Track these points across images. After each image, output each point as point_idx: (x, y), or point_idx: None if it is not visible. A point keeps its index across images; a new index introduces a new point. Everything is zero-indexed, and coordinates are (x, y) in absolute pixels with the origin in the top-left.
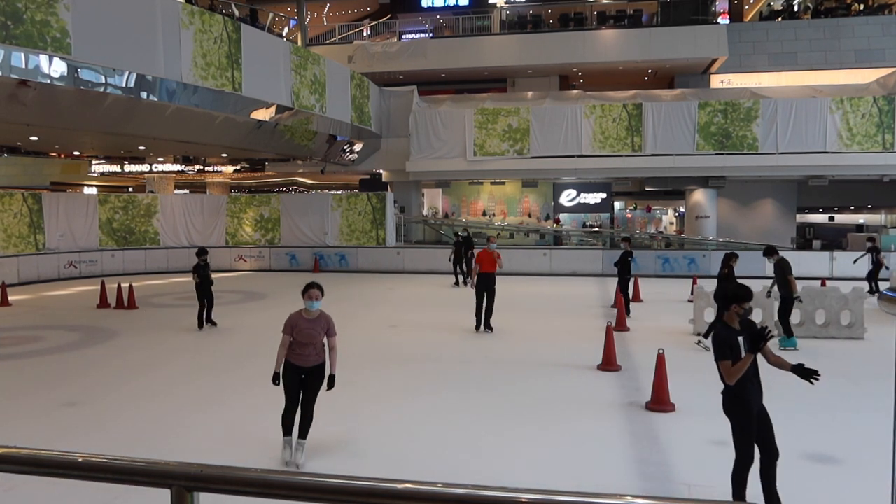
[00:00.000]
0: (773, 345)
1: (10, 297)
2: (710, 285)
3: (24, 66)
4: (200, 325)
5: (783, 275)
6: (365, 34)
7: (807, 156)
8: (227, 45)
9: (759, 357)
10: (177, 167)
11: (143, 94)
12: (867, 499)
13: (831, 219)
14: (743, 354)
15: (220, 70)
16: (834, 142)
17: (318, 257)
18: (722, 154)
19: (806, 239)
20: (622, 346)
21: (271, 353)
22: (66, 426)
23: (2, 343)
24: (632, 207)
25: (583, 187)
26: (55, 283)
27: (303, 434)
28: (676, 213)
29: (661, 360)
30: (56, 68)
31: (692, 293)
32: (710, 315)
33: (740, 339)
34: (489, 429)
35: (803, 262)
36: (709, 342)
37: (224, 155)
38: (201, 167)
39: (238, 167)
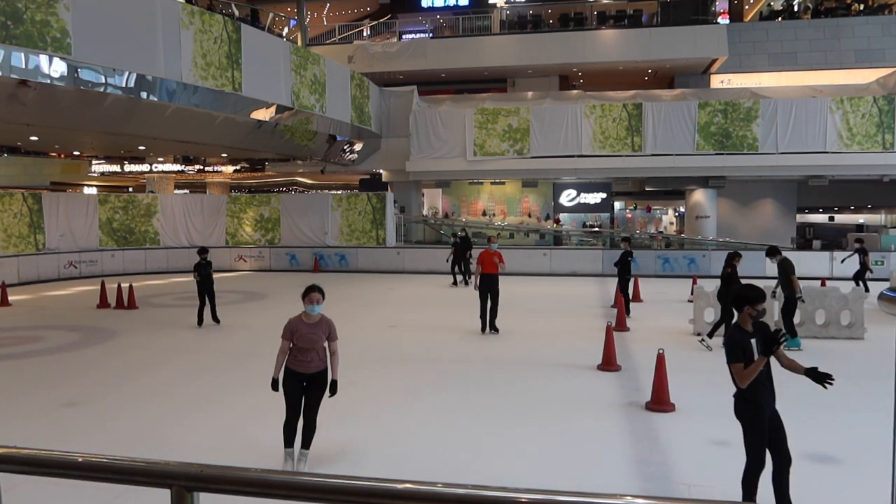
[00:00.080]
0: None
1: (10, 297)
2: (711, 285)
3: (24, 66)
4: (200, 322)
5: (786, 275)
6: (365, 34)
7: (807, 156)
8: (227, 45)
9: (773, 360)
10: (177, 167)
11: (143, 94)
12: (867, 499)
13: (831, 219)
14: (756, 357)
15: (220, 70)
16: (834, 142)
17: (318, 257)
18: (722, 154)
19: (806, 239)
20: (622, 346)
21: (271, 353)
22: (66, 426)
23: (2, 343)
24: (632, 207)
25: (583, 187)
26: (55, 283)
27: (306, 444)
28: (676, 213)
29: (661, 360)
30: (56, 68)
31: (692, 293)
32: (710, 315)
33: (753, 341)
34: (489, 429)
35: (803, 262)
36: (711, 341)
37: (224, 155)
38: (201, 167)
39: (238, 167)
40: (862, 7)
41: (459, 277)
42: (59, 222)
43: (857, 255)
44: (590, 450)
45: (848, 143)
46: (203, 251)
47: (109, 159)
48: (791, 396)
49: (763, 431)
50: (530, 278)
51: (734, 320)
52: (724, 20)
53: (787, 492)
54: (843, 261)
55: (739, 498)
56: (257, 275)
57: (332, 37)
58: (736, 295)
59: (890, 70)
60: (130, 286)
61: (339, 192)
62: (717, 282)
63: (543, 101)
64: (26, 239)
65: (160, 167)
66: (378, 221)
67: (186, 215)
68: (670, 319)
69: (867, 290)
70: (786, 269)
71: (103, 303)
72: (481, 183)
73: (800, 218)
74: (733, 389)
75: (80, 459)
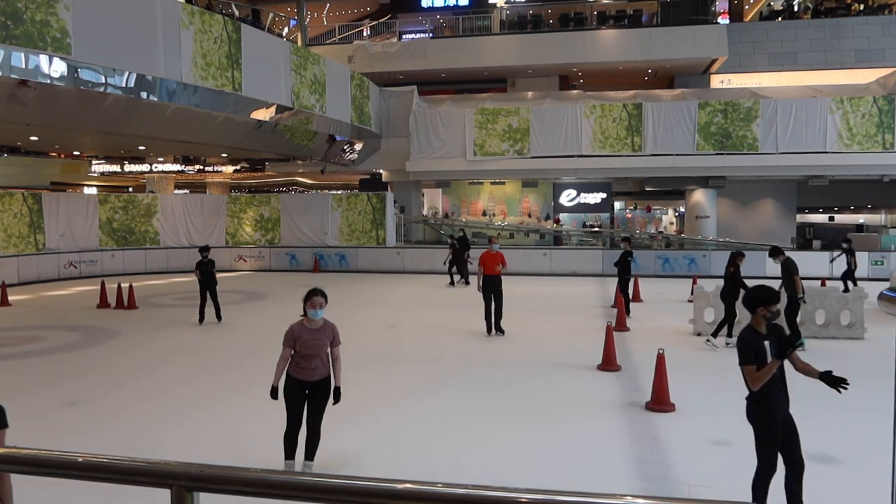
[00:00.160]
0: None
1: (10, 297)
2: (711, 285)
3: (24, 66)
4: (201, 320)
5: (789, 275)
6: (365, 34)
7: (807, 156)
8: (227, 45)
9: (787, 364)
10: (177, 167)
11: (143, 94)
12: (867, 499)
13: (831, 219)
14: (769, 359)
15: (220, 70)
16: (834, 142)
17: (318, 257)
18: (722, 154)
19: (806, 239)
20: (622, 346)
21: (271, 353)
22: (66, 426)
23: (2, 343)
24: (632, 207)
25: (583, 187)
26: (55, 283)
27: (309, 455)
28: (676, 213)
29: (661, 360)
30: (56, 68)
31: (692, 293)
32: (710, 315)
33: (766, 343)
34: (489, 429)
35: (803, 262)
36: (715, 341)
37: (224, 155)
38: (201, 167)
39: (238, 167)
40: (862, 7)
41: (457, 278)
42: (59, 222)
43: (844, 256)
44: (590, 450)
45: (848, 143)
46: (205, 249)
47: (109, 159)
48: (791, 396)
49: (775, 435)
50: (530, 278)
51: (748, 322)
52: (724, 20)
53: (800, 497)
54: (831, 260)
55: (739, 498)
56: (257, 275)
57: (332, 37)
58: (749, 296)
59: (890, 70)
60: (130, 286)
61: (339, 192)
62: (718, 282)
63: (543, 101)
64: (26, 239)
65: (160, 167)
66: (378, 221)
67: (186, 215)
68: (670, 319)
69: (846, 289)
70: (789, 270)
71: (103, 303)
72: (481, 183)
73: (800, 218)
74: (734, 389)
75: (80, 459)
